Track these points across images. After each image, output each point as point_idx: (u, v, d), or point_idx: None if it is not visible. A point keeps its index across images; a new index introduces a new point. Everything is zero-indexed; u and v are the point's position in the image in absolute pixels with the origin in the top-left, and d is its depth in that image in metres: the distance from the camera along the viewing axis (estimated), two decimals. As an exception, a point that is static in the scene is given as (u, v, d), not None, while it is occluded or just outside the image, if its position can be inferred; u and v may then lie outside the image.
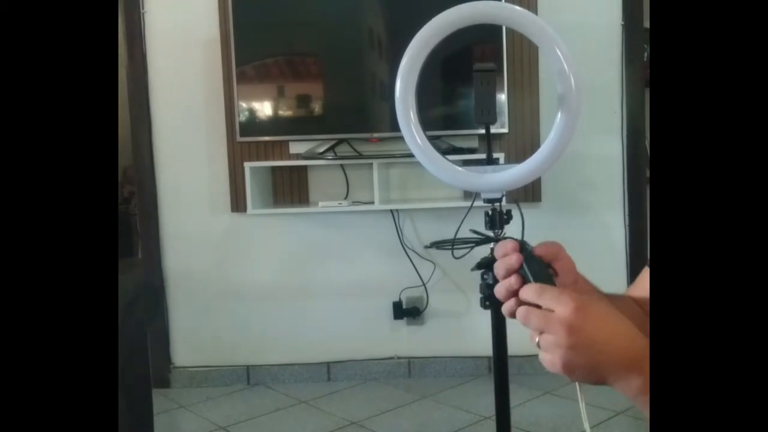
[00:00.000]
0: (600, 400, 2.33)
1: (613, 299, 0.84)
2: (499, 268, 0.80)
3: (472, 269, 0.91)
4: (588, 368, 0.70)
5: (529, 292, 0.75)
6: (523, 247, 0.79)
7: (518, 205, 2.24)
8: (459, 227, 2.67)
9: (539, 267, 0.77)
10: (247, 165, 2.78)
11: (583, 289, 0.84)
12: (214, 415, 2.75)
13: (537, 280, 0.76)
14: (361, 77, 2.80)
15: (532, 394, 2.79)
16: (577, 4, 2.88)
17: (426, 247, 2.97)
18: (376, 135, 2.76)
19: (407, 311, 3.02)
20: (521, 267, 0.78)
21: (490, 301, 0.88)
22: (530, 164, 0.87)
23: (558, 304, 0.71)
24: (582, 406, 0.76)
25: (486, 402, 2.71)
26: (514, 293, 0.78)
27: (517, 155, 2.83)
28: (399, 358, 3.07)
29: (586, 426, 0.76)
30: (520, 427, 2.50)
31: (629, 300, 0.92)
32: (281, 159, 2.90)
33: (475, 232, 1.07)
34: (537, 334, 0.73)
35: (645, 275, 0.95)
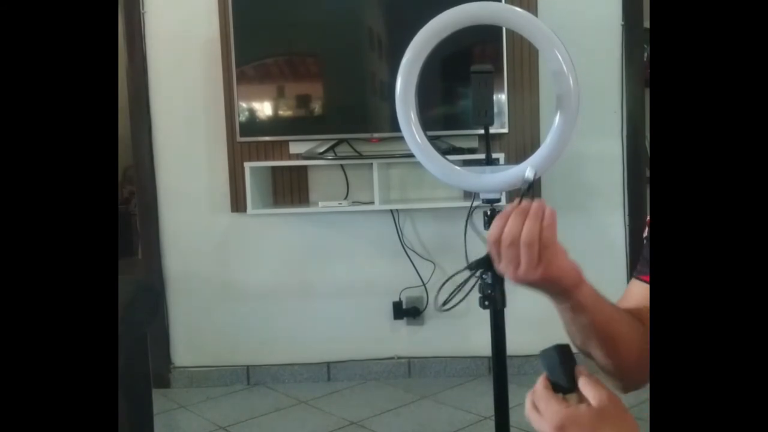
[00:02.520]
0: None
1: (613, 323, 0.84)
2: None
3: (464, 269, 0.91)
4: None
5: (535, 388, 0.76)
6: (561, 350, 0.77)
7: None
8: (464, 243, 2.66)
9: (561, 367, 0.76)
10: (247, 165, 2.78)
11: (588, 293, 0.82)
12: (214, 415, 2.75)
13: (551, 376, 0.76)
14: (361, 77, 2.80)
15: (532, 394, 2.79)
16: (577, 5, 2.88)
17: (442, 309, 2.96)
18: (376, 135, 2.76)
19: (407, 311, 3.01)
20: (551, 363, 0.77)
21: (489, 301, 0.88)
22: (529, 165, 0.87)
23: (544, 415, 0.73)
24: None
25: (486, 402, 2.70)
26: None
27: (517, 155, 2.83)
28: (399, 358, 3.07)
29: None
30: (520, 427, 2.49)
31: (628, 317, 0.92)
32: (281, 159, 2.90)
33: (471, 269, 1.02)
34: None
35: (632, 287, 0.96)
